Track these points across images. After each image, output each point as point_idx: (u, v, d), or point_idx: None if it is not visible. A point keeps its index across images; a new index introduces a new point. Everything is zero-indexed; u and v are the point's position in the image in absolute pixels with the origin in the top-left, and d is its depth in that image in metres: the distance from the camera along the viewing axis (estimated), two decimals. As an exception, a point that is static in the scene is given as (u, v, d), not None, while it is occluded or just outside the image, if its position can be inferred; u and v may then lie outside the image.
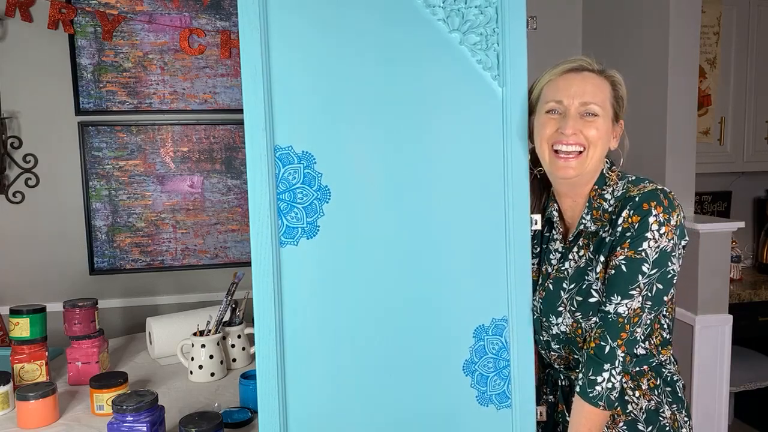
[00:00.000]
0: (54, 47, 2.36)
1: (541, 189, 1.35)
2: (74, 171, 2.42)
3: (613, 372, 1.17)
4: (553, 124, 1.19)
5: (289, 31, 1.14)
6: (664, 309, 1.27)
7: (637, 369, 1.26)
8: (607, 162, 1.25)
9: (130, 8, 2.39)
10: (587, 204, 1.24)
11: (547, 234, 1.34)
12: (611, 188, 1.23)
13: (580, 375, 1.20)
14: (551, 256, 1.32)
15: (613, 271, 1.17)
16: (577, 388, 1.20)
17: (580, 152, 1.18)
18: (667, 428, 1.26)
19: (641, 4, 2.42)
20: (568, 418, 1.30)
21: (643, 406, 1.25)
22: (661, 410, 1.26)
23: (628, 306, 1.16)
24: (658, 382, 1.27)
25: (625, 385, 1.25)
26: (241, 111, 1.13)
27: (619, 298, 1.16)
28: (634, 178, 1.24)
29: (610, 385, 1.17)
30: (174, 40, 2.44)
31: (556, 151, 1.19)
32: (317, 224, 1.17)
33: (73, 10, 2.32)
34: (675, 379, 1.30)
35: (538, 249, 1.35)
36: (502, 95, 1.21)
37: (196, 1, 2.45)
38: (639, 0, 2.43)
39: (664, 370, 1.29)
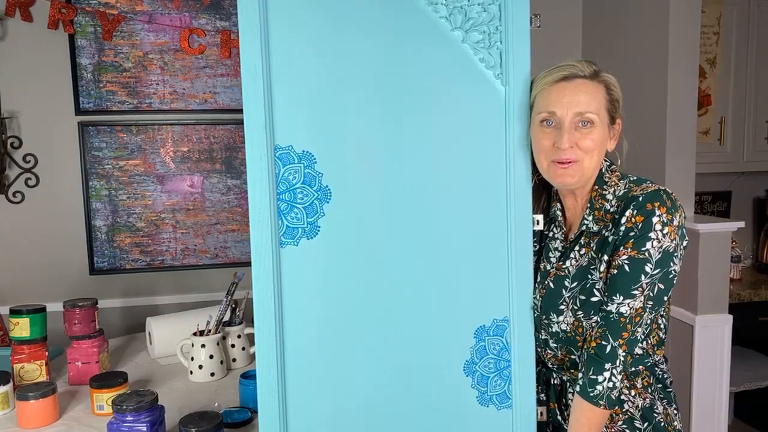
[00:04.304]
0: (54, 47, 2.36)
1: (541, 191, 1.35)
2: (74, 171, 2.42)
3: (614, 371, 1.17)
4: (549, 138, 1.19)
5: (289, 30, 1.14)
6: (662, 309, 1.27)
7: (633, 369, 1.27)
8: (606, 161, 1.25)
9: (130, 8, 2.39)
10: (589, 205, 1.24)
11: (547, 232, 1.34)
12: (612, 188, 1.23)
13: (580, 374, 1.20)
14: (550, 254, 1.32)
15: (615, 271, 1.18)
16: (578, 388, 1.20)
17: (577, 160, 1.18)
18: (662, 424, 1.27)
19: (641, 4, 2.42)
20: (558, 417, 1.32)
21: (639, 404, 1.27)
22: (654, 407, 1.27)
23: (630, 306, 1.16)
24: (651, 381, 1.29)
25: (621, 385, 1.25)
26: (241, 111, 1.13)
27: (621, 297, 1.17)
28: (635, 178, 1.24)
29: (611, 384, 1.17)
30: (174, 40, 2.44)
31: (554, 161, 1.19)
32: (318, 224, 1.17)
33: (73, 10, 2.31)
34: (665, 376, 1.32)
35: (537, 246, 1.35)
36: (505, 94, 1.20)
37: (196, 1, 2.44)
38: (639, 0, 2.44)
39: (657, 369, 1.30)
